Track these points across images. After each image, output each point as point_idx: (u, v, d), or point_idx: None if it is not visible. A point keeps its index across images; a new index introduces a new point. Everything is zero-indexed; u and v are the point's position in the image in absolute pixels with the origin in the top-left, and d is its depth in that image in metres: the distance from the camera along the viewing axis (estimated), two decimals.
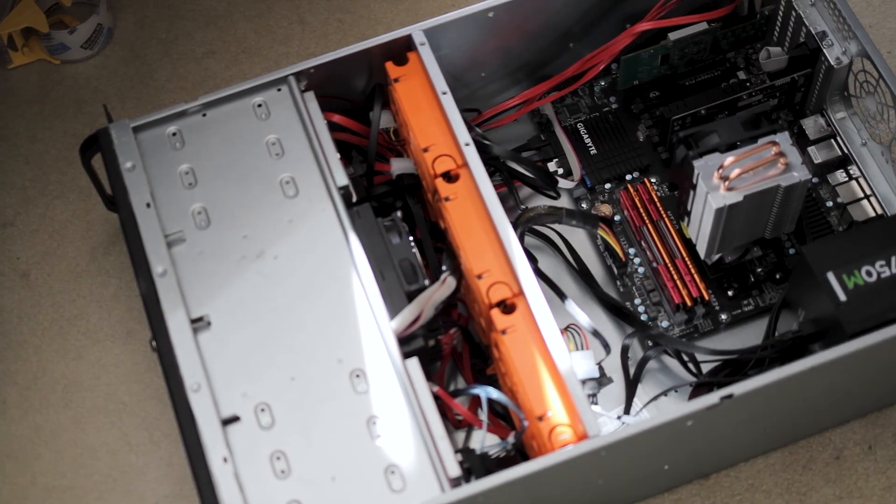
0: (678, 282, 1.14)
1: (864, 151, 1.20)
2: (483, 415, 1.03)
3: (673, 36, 1.22)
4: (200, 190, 1.10)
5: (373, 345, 1.02)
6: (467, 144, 1.09)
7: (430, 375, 1.02)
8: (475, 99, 1.25)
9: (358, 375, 1.01)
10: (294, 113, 1.13)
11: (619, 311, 1.15)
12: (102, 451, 1.14)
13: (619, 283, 1.18)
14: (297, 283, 1.05)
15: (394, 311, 1.03)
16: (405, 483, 0.97)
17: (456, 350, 1.12)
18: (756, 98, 1.21)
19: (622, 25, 1.24)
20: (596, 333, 1.11)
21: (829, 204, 1.19)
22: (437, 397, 1.01)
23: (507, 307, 1.02)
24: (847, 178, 1.20)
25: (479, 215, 1.06)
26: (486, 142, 1.16)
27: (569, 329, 1.12)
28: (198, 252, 1.07)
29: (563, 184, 1.21)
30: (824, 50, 1.16)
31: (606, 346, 1.11)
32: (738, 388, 0.96)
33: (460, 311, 1.14)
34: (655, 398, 1.10)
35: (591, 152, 1.23)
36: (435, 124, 1.11)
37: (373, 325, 1.02)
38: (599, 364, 1.09)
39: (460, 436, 1.10)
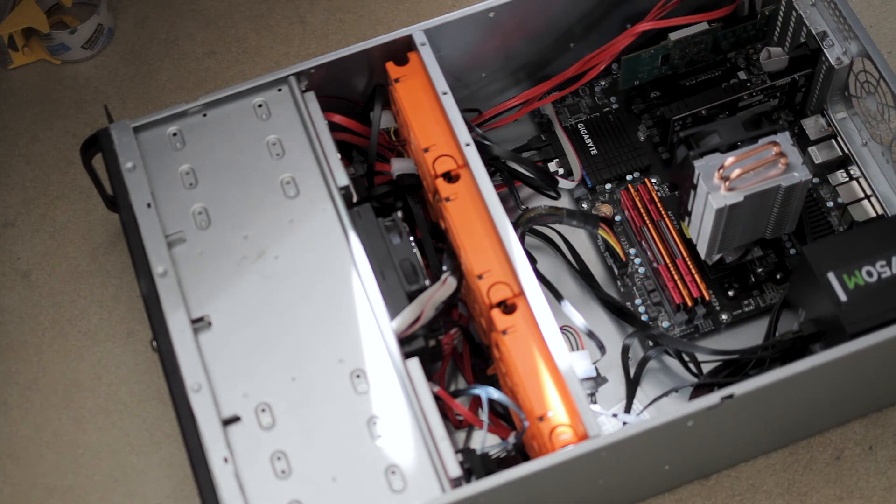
0: (679, 282, 1.14)
1: (864, 151, 1.20)
2: (484, 415, 1.03)
3: (673, 36, 1.22)
4: (201, 190, 1.10)
5: (373, 345, 1.02)
6: (468, 145, 1.09)
7: (430, 375, 1.03)
8: (476, 99, 1.25)
9: (358, 376, 1.01)
10: (295, 113, 1.13)
11: (619, 311, 1.15)
12: (104, 452, 1.14)
13: (619, 283, 1.18)
14: (298, 283, 1.05)
15: (394, 311, 1.03)
16: (406, 483, 0.97)
17: (456, 350, 1.12)
18: (757, 98, 1.21)
19: (623, 25, 1.24)
20: (591, 334, 1.11)
21: (830, 204, 1.19)
22: (437, 397, 1.01)
23: (507, 307, 1.02)
24: (847, 179, 1.20)
25: (479, 215, 1.06)
26: (487, 142, 1.16)
27: (563, 330, 1.12)
28: (198, 252, 1.07)
29: (564, 184, 1.21)
30: (825, 50, 1.16)
31: (602, 347, 1.11)
32: (739, 389, 0.96)
33: (461, 311, 1.14)
34: (656, 399, 1.10)
35: (592, 152, 1.23)
36: (435, 124, 1.11)
37: (373, 326, 1.02)
38: (594, 364, 1.09)
39: (461, 436, 1.10)
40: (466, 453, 0.99)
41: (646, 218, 1.17)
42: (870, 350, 0.98)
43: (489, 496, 0.94)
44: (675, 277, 1.14)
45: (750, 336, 1.14)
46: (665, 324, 1.15)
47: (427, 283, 1.05)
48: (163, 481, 1.12)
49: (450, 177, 1.09)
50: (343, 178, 1.09)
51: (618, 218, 1.20)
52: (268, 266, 1.06)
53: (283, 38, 1.37)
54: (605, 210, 1.20)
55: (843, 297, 1.01)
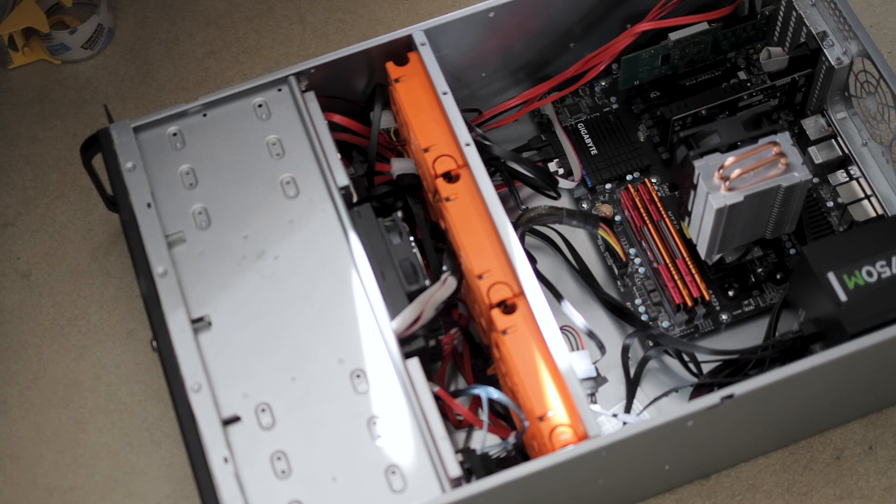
0: (679, 282, 1.14)
1: (864, 151, 1.20)
2: (484, 415, 1.03)
3: (673, 36, 1.22)
4: (201, 190, 1.10)
5: (373, 345, 1.02)
6: (468, 145, 1.09)
7: (430, 375, 1.03)
8: (476, 99, 1.25)
9: (359, 376, 1.01)
10: (295, 113, 1.13)
11: (619, 311, 1.15)
12: (103, 452, 1.14)
13: (619, 283, 1.18)
14: (298, 283, 1.05)
15: (394, 311, 1.03)
16: (406, 483, 0.97)
17: (456, 350, 1.12)
18: (757, 98, 1.21)
19: (623, 25, 1.24)
20: (591, 334, 1.11)
21: (830, 204, 1.19)
22: (437, 397, 1.01)
23: (507, 307, 1.02)
24: (848, 179, 1.20)
25: (479, 215, 1.06)
26: (487, 142, 1.16)
27: (563, 330, 1.12)
28: (198, 252, 1.07)
29: (564, 184, 1.21)
30: (825, 50, 1.16)
31: (602, 347, 1.11)
32: (739, 389, 0.96)
33: (461, 311, 1.14)
34: (656, 399, 1.10)
35: (592, 152, 1.23)
36: (435, 124, 1.11)
37: (373, 326, 1.02)
38: (594, 364, 1.09)
39: (461, 436, 1.10)
40: (466, 453, 0.99)
41: (646, 218, 1.17)
42: (870, 350, 0.98)
43: (489, 496, 0.94)
44: (675, 277, 1.14)
45: (750, 336, 1.14)
46: (665, 324, 1.15)
47: (427, 283, 1.05)
48: (163, 481, 1.12)
49: (450, 177, 1.09)
50: (343, 178, 1.09)
51: (618, 218, 1.20)
52: (268, 266, 1.06)
53: (283, 38, 1.37)
54: (605, 210, 1.20)
55: (843, 297, 1.01)
